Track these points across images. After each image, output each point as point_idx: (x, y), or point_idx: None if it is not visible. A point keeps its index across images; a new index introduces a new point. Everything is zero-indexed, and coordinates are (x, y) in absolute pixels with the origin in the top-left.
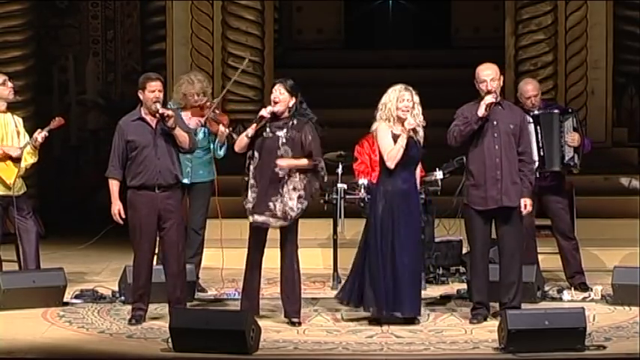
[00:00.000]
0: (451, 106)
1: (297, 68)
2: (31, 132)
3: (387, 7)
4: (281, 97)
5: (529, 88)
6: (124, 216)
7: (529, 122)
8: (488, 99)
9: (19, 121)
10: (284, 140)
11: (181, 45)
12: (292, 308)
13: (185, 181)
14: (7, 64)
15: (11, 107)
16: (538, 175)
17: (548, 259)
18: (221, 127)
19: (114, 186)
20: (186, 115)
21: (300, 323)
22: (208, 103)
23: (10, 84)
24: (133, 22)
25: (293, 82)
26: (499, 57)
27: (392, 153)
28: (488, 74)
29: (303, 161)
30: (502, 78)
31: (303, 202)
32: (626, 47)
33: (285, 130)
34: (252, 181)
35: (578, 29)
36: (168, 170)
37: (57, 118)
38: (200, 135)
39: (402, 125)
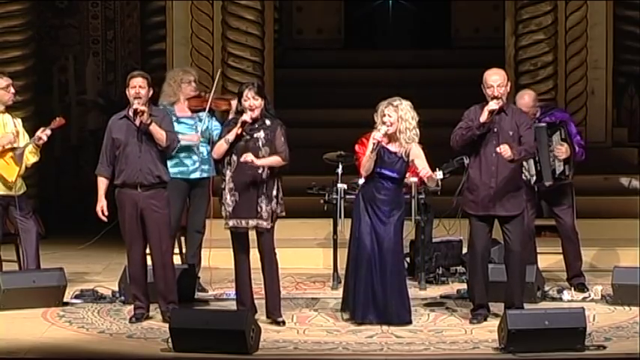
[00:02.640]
0: (451, 106)
1: (297, 68)
2: (30, 132)
3: (387, 7)
4: (256, 102)
5: (526, 100)
6: (106, 213)
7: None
8: (492, 105)
9: (18, 121)
10: (263, 141)
11: (181, 45)
12: (273, 307)
13: (195, 175)
14: (7, 64)
15: (11, 107)
16: (537, 189)
17: (549, 259)
18: (235, 102)
19: (101, 183)
20: (180, 107)
21: (284, 322)
22: (205, 94)
23: (12, 90)
24: (133, 22)
25: (259, 84)
26: (499, 57)
27: (363, 161)
28: (495, 80)
29: (274, 159)
30: (509, 84)
31: (282, 203)
32: (626, 47)
33: (261, 132)
34: (230, 185)
35: (578, 29)
36: (148, 169)
37: (57, 118)
38: (203, 126)
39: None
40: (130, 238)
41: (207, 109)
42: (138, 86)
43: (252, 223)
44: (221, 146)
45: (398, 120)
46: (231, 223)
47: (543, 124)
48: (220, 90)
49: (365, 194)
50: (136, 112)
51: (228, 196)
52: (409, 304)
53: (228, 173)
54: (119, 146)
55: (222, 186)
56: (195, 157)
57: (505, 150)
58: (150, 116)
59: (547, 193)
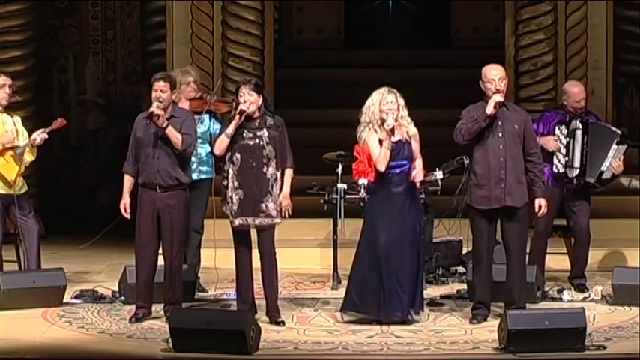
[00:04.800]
0: (451, 106)
1: (297, 68)
2: (30, 131)
3: (387, 7)
4: (251, 97)
5: (577, 90)
6: (129, 210)
7: (577, 128)
8: (497, 97)
9: (18, 119)
10: (267, 140)
11: (181, 45)
12: (273, 307)
13: (193, 177)
14: (7, 64)
15: (11, 107)
16: (575, 182)
17: (549, 259)
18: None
19: (126, 181)
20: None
21: (283, 322)
22: (206, 96)
23: (8, 90)
24: (133, 22)
25: (257, 81)
26: (499, 57)
27: (379, 157)
28: (495, 74)
29: (289, 182)
30: (507, 79)
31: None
32: (626, 47)
33: (264, 130)
34: (235, 184)
35: (578, 29)
36: (166, 171)
37: (59, 119)
38: (204, 127)
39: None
40: (145, 238)
41: (204, 110)
42: (159, 90)
43: (257, 221)
44: (222, 141)
45: (399, 107)
46: (237, 222)
47: (618, 132)
48: (221, 90)
49: (378, 192)
50: (151, 114)
51: (232, 195)
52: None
53: (232, 172)
54: (141, 146)
55: (225, 184)
56: (193, 159)
57: (545, 205)
58: (168, 120)
59: (569, 192)
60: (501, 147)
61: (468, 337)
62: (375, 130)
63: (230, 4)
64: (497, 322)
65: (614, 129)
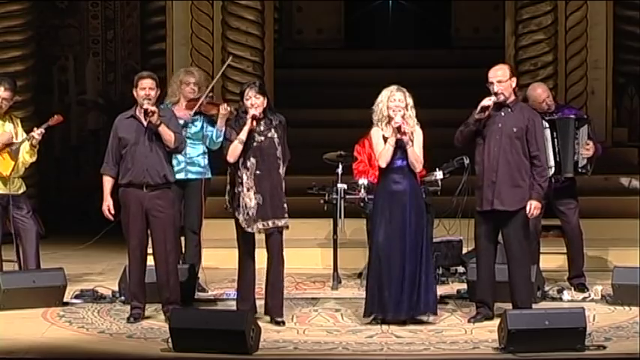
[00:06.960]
0: (451, 106)
1: (297, 68)
2: (29, 132)
3: (387, 7)
4: (258, 101)
5: (539, 92)
6: (113, 212)
7: (545, 127)
8: (485, 102)
9: (17, 121)
10: (278, 140)
11: (181, 45)
12: (276, 307)
13: (180, 176)
14: (7, 64)
15: (11, 107)
16: (554, 181)
17: (549, 259)
18: (223, 106)
19: (107, 183)
20: (179, 108)
21: (284, 322)
22: (202, 97)
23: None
24: (133, 22)
25: (261, 83)
26: (499, 57)
27: (382, 152)
28: (494, 76)
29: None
30: (514, 79)
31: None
32: (626, 47)
33: (273, 131)
34: (251, 187)
35: (578, 29)
36: (155, 169)
37: (55, 116)
38: (196, 128)
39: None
40: (133, 238)
41: (193, 112)
42: (148, 88)
43: (279, 222)
44: (236, 148)
45: (407, 106)
46: (258, 226)
47: (571, 116)
48: (220, 91)
49: (381, 192)
50: (146, 112)
51: (251, 199)
52: (436, 294)
53: (245, 177)
54: (126, 145)
55: (239, 190)
56: (180, 158)
57: (535, 207)
58: (159, 117)
59: (556, 191)
60: (496, 150)
61: (468, 337)
62: (382, 127)
63: (230, 4)
64: (497, 322)
65: (568, 116)
